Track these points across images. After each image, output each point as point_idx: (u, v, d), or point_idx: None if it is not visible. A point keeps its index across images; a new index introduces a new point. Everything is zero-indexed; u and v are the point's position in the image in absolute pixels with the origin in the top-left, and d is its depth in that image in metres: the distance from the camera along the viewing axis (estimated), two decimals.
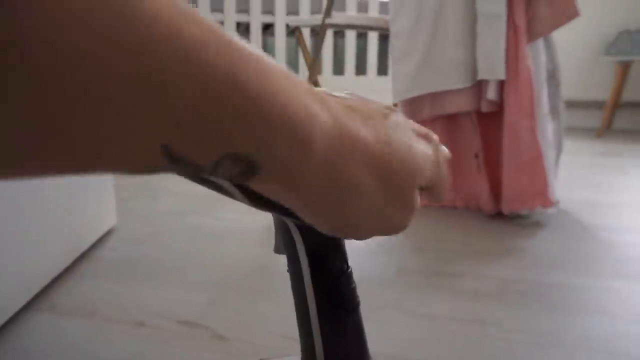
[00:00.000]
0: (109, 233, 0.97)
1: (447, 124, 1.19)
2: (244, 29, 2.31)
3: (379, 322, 0.65)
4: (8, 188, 0.62)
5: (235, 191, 0.20)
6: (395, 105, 1.21)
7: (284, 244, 0.27)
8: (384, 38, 2.43)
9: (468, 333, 0.63)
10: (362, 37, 2.46)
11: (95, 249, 0.89)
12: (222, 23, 2.14)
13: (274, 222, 0.27)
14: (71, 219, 0.80)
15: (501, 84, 1.05)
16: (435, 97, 1.11)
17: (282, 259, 0.90)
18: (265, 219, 1.09)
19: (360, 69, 2.47)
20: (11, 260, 0.63)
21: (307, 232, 0.25)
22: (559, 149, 1.15)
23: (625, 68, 2.31)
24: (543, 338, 0.62)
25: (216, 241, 0.95)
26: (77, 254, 0.83)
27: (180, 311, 0.67)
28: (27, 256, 0.66)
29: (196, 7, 2.06)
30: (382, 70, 2.41)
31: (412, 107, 1.16)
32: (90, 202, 0.88)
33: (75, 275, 0.78)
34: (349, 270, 0.27)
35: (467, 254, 0.90)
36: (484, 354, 0.58)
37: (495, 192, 1.10)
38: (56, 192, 0.75)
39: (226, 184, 0.20)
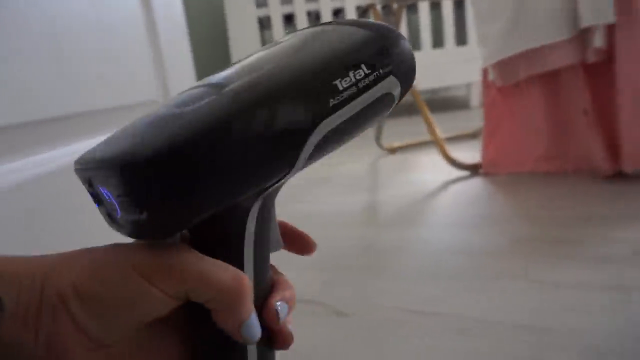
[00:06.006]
0: None
1: (546, 83, 1.10)
2: (314, 17, 2.32)
3: (501, 291, 0.62)
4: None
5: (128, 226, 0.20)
6: (485, 70, 1.14)
7: None
8: (458, 5, 2.30)
9: (607, 300, 0.57)
10: (435, 8, 2.36)
11: None
12: (292, 14, 2.16)
13: None
14: None
15: (610, 29, 0.94)
16: (531, 54, 1.03)
17: (388, 237, 0.89)
18: (363, 201, 1.09)
19: (437, 42, 2.36)
20: None
21: None
22: None
23: None
24: None
25: (320, 225, 0.96)
26: None
27: (298, 291, 0.69)
28: None
29: (267, 1, 2.06)
30: (461, 40, 2.28)
31: (506, 69, 1.08)
32: None
33: None
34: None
35: (587, 219, 0.82)
36: (631, 321, 0.53)
37: (612, 150, 0.99)
38: None
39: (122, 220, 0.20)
